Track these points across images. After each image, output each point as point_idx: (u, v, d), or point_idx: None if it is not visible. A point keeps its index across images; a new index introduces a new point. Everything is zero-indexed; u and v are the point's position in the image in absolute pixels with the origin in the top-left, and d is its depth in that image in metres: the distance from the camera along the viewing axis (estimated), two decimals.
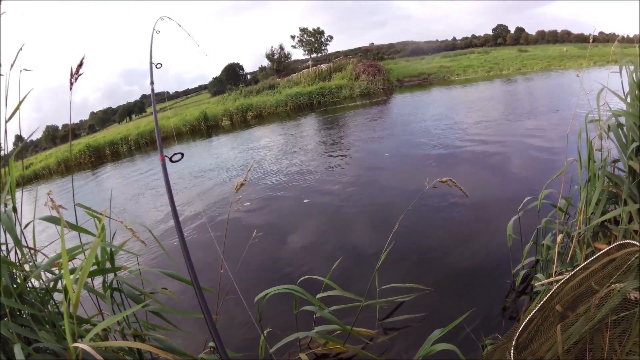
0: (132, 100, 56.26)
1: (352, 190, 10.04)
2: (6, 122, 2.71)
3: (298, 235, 7.91)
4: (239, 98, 43.90)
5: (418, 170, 10.71)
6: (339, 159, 13.86)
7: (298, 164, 14.04)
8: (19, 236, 2.56)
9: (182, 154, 3.10)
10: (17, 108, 2.75)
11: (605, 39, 43.61)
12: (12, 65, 2.67)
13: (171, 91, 58.13)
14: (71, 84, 2.63)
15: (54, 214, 2.70)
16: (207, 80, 62.26)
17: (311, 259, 6.78)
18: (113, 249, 2.92)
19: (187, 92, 61.04)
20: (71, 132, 46.21)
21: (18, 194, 2.74)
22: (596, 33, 43.65)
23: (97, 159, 33.25)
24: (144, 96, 55.24)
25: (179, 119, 38.33)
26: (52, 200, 2.73)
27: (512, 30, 62.22)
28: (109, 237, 2.99)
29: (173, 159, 3.05)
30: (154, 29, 3.99)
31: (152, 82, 3.79)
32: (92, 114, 49.76)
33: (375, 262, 4.15)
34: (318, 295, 4.01)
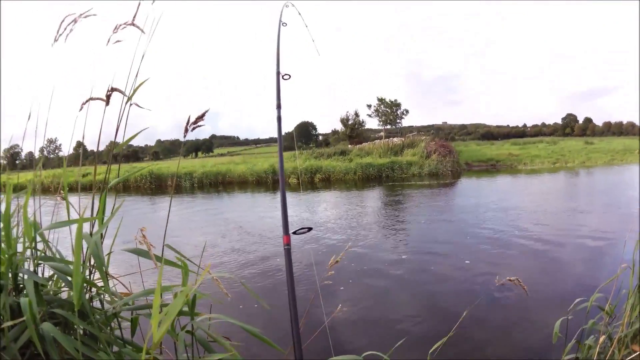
0: (200, 137, 56.80)
1: (409, 275, 10.09)
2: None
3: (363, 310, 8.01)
4: (309, 158, 44.30)
5: (478, 259, 10.83)
6: (401, 238, 14.14)
7: (361, 237, 14.21)
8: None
9: (310, 228, 2.92)
10: (132, 137, 2.82)
11: None
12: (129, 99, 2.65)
13: (241, 137, 59.09)
14: (186, 130, 2.67)
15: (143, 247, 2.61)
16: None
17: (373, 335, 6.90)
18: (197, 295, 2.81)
19: (257, 142, 61.87)
20: (134, 153, 46.26)
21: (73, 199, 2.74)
22: None
23: (157, 187, 33.95)
24: (213, 136, 55.95)
25: (246, 167, 39.11)
26: (144, 237, 2.63)
27: (580, 119, 61.85)
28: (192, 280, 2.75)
29: (298, 232, 2.86)
30: (280, 21, 3.59)
31: (278, 103, 3.28)
32: (159, 142, 50.57)
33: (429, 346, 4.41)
34: None
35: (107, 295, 2.70)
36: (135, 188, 32.69)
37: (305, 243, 12.73)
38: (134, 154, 45.89)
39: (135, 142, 42.92)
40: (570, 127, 61.36)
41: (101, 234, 2.58)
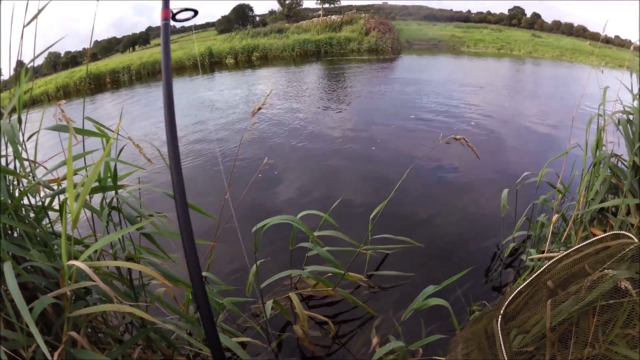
0: (137, 31, 55.45)
1: (353, 141, 10.22)
2: (24, 26, 2.57)
3: (297, 177, 8.07)
4: (246, 38, 43.21)
5: (423, 133, 10.83)
6: (341, 111, 13.96)
7: (298, 111, 14.04)
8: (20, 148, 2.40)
9: (195, 11, 2.50)
10: (37, 15, 2.59)
11: (620, 43, 43.39)
12: None
13: (178, 25, 57.70)
14: None
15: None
16: (215, 18, 61.45)
17: (308, 200, 6.95)
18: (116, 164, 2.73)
19: (194, 28, 60.37)
20: (73, 59, 45.40)
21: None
22: (612, 35, 43.12)
23: (96, 86, 32.91)
24: (150, 28, 54.50)
25: (184, 52, 37.97)
26: (62, 111, 2.49)
27: (528, 14, 61.77)
28: (115, 154, 2.79)
29: (180, 16, 2.46)
30: None
31: None
32: (96, 43, 48.99)
33: (369, 213, 4.24)
34: (315, 233, 3.89)
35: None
36: (75, 92, 31.44)
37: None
38: (73, 60, 44.03)
39: (73, 48, 41.33)
40: (517, 18, 60.82)
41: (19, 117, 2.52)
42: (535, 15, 60.62)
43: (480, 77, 22.28)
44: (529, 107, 14.44)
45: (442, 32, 48.38)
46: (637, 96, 3.86)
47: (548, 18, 59.75)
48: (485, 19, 61.96)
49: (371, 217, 4.19)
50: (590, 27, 54.71)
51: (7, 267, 1.85)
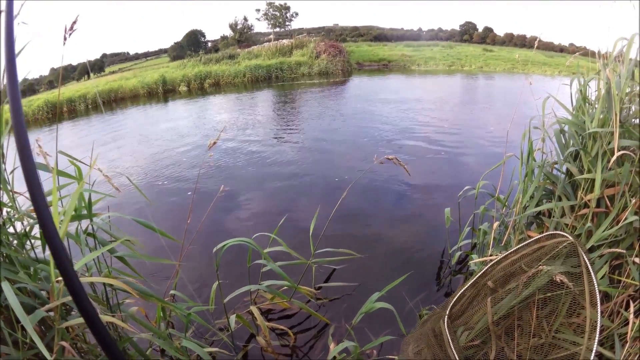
0: (92, 58, 54.57)
1: (304, 164, 10.42)
2: None
3: (251, 199, 8.26)
4: (198, 65, 43.17)
5: (368, 152, 10.98)
6: (292, 135, 14.14)
7: (249, 138, 14.16)
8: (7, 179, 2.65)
9: None
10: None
11: (574, 50, 44.38)
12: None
13: (131, 52, 56.79)
14: (65, 39, 2.43)
15: (42, 161, 2.67)
16: (168, 43, 61.04)
17: (260, 218, 7.23)
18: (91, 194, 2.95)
19: (147, 55, 59.70)
20: (29, 87, 44.33)
21: None
22: (566, 44, 43.84)
23: (53, 115, 32.46)
24: (104, 55, 53.90)
25: (138, 80, 37.49)
26: (40, 147, 2.67)
27: (480, 29, 62.53)
28: (88, 185, 3.01)
29: None
30: None
31: None
32: (52, 70, 48.02)
33: (319, 230, 4.56)
34: (266, 250, 4.17)
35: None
36: (33, 121, 30.83)
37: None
38: (30, 88, 43.02)
39: (30, 76, 40.25)
40: (469, 34, 61.70)
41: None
42: (487, 30, 61.61)
43: (422, 94, 22.85)
44: (475, 122, 14.97)
45: (392, 52, 48.72)
46: (573, 109, 4.23)
47: (500, 31, 60.74)
48: (436, 36, 62.67)
49: (310, 234, 4.58)
50: (544, 37, 55.72)
51: (6, 286, 2.04)
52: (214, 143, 3.55)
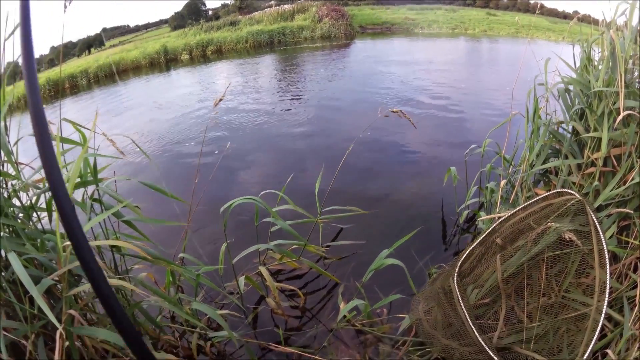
0: (92, 34, 54.09)
1: (311, 121, 10.51)
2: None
3: (258, 159, 8.27)
4: (199, 33, 42.62)
5: (373, 110, 10.80)
6: (298, 95, 14.11)
7: (256, 100, 14.03)
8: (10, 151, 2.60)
9: None
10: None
11: (579, 18, 43.61)
12: None
13: (132, 24, 56.39)
14: (65, 7, 2.38)
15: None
16: (168, 14, 60.47)
17: (268, 179, 7.23)
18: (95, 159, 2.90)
19: (147, 26, 59.28)
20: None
21: None
22: (570, 11, 43.19)
23: (55, 92, 32.40)
24: (104, 29, 53.41)
25: (139, 52, 37.27)
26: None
27: None
28: (92, 150, 2.98)
29: None
30: None
31: None
32: (52, 48, 47.68)
33: (326, 188, 4.63)
34: (274, 209, 4.17)
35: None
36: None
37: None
38: None
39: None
40: None
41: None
42: None
43: (430, 55, 22.79)
44: (480, 84, 14.82)
45: (395, 15, 48.15)
46: (577, 69, 4.19)
47: None
48: None
49: (316, 192, 4.60)
50: (547, 3, 54.93)
51: (12, 257, 2.04)
52: (220, 100, 3.59)
